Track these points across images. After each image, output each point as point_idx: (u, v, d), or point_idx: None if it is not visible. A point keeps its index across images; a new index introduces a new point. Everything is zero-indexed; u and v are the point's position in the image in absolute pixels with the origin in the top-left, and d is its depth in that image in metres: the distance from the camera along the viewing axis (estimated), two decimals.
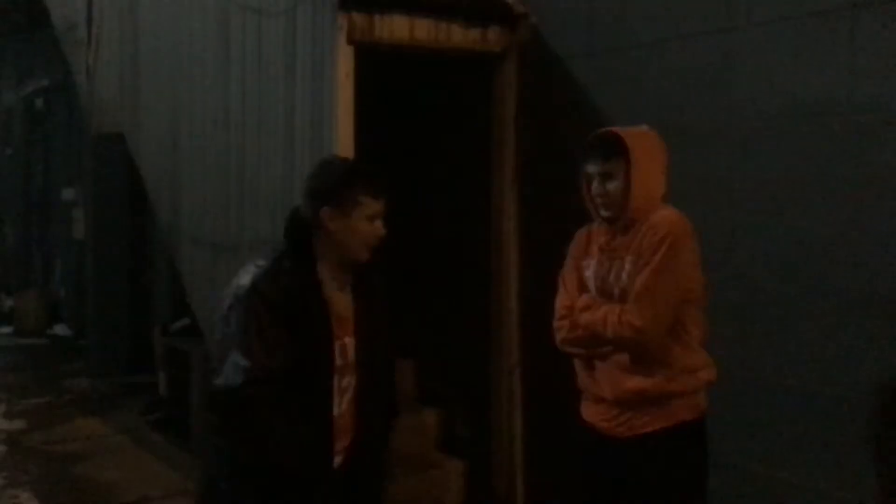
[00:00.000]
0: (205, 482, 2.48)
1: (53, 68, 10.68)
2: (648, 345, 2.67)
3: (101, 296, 8.81)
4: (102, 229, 8.80)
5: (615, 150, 2.73)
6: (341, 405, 2.49)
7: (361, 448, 2.54)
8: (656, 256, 2.64)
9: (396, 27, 4.22)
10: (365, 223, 2.47)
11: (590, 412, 2.87)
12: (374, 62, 4.28)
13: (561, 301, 2.90)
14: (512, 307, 4.61)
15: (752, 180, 3.50)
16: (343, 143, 4.03)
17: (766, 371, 3.46)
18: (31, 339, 10.66)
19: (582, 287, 2.86)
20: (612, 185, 2.74)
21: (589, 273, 2.85)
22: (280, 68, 4.55)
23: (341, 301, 2.51)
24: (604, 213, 2.79)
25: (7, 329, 11.19)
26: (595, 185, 2.78)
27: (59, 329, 11.06)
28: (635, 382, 2.70)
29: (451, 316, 5.12)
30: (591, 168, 2.79)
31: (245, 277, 2.39)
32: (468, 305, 4.97)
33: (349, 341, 2.51)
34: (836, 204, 3.24)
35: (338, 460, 2.51)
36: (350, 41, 4.05)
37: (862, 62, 3.16)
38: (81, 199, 9.77)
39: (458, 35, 4.41)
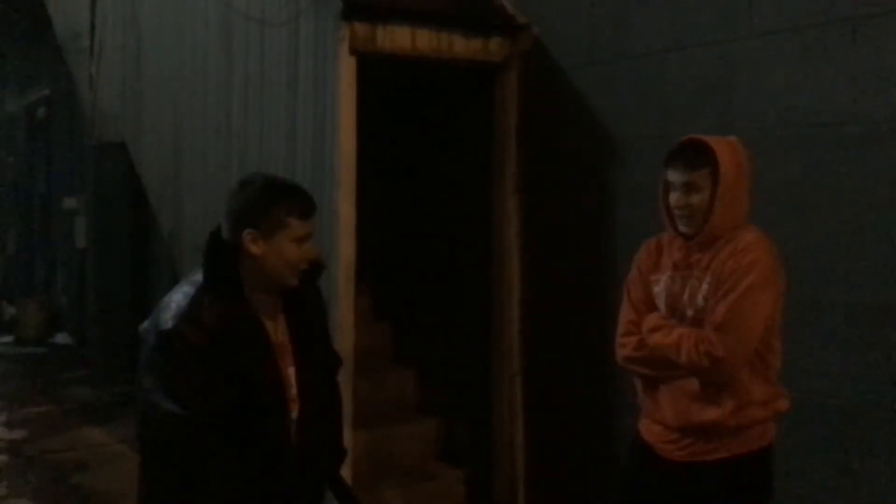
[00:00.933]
0: None
1: (56, 77, 10.71)
2: (725, 376, 2.50)
3: (103, 304, 8.82)
4: (104, 238, 8.81)
5: (702, 161, 2.53)
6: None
7: (303, 480, 2.37)
8: (743, 283, 2.45)
9: (398, 37, 4.23)
10: (291, 246, 2.26)
11: (649, 432, 2.71)
12: (376, 71, 4.30)
13: (626, 315, 2.71)
14: (513, 315, 4.62)
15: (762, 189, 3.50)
16: (345, 152, 4.05)
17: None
18: (32, 347, 10.65)
19: (649, 303, 2.67)
20: (696, 198, 2.53)
21: (659, 289, 2.65)
22: (282, 78, 4.57)
23: (275, 328, 2.33)
24: (683, 227, 2.59)
25: (8, 338, 11.18)
26: (677, 195, 2.57)
27: (61, 338, 11.05)
28: (704, 416, 2.54)
29: (453, 324, 5.12)
30: (674, 177, 2.57)
31: (167, 316, 2.19)
32: (469, 313, 4.98)
33: (291, 371, 2.33)
34: (836, 213, 3.25)
35: None
36: (352, 51, 4.07)
37: (862, 72, 3.18)
38: (83, 207, 9.79)
39: (460, 45, 4.42)
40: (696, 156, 2.55)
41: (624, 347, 2.70)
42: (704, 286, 2.54)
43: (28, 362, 9.83)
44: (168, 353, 2.16)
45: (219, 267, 2.26)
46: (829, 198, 3.27)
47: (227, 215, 2.28)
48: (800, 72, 3.36)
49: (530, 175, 4.56)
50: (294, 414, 2.33)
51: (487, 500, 4.77)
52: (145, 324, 2.29)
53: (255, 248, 2.23)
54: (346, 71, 4.06)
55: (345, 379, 2.61)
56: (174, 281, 7.06)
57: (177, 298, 2.23)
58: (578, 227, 4.33)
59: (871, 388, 3.15)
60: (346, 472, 2.67)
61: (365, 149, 4.16)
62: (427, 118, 5.29)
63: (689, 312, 2.56)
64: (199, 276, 2.27)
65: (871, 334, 3.14)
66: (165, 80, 6.09)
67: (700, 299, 2.54)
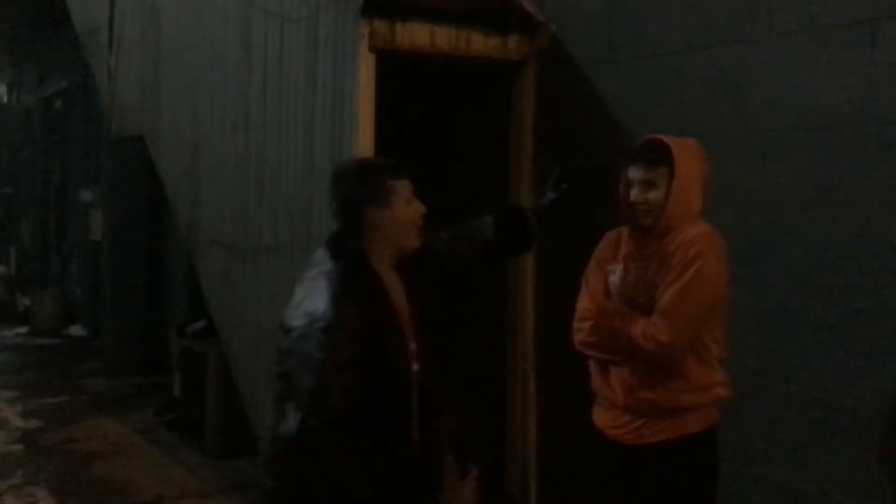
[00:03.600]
0: None
1: (73, 70, 10.78)
2: (668, 359, 2.68)
3: (118, 296, 8.87)
4: (120, 230, 8.87)
5: (661, 159, 2.72)
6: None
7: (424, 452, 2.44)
8: (687, 273, 2.64)
9: (417, 34, 4.25)
10: (406, 206, 2.46)
11: (601, 418, 2.89)
12: (395, 68, 4.32)
13: (583, 302, 2.90)
14: (528, 312, 4.63)
15: (769, 190, 3.51)
16: (363, 149, 4.06)
17: (779, 380, 3.46)
18: (46, 338, 10.74)
19: (605, 292, 2.86)
20: (654, 194, 2.73)
21: (614, 278, 2.85)
22: (301, 74, 4.59)
23: (402, 303, 2.45)
24: (641, 221, 2.78)
25: (23, 329, 11.28)
26: (636, 191, 2.77)
27: (75, 329, 11.14)
28: (649, 393, 2.72)
29: (467, 320, 5.14)
30: (634, 174, 2.77)
31: (319, 302, 2.25)
32: (484, 309, 4.99)
33: (413, 347, 2.43)
34: (853, 214, 3.25)
35: None
36: (371, 48, 4.09)
37: (881, 73, 3.17)
38: (99, 200, 9.85)
39: (478, 42, 4.44)
40: (655, 155, 2.74)
41: (580, 332, 2.89)
42: (654, 277, 2.72)
43: (43, 353, 9.92)
44: (326, 340, 2.20)
45: (353, 256, 2.38)
46: (846, 198, 3.26)
47: (341, 204, 2.44)
48: (818, 72, 3.36)
49: (547, 172, 4.57)
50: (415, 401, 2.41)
51: (500, 496, 4.79)
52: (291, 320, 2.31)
53: (380, 220, 2.40)
54: (365, 67, 4.08)
55: None
56: (190, 274, 7.12)
57: (319, 283, 2.29)
58: (594, 224, 4.33)
59: (882, 386, 3.14)
60: None
61: (383, 145, 4.18)
62: (446, 115, 5.30)
63: (640, 300, 2.75)
64: (330, 269, 2.33)
65: (886, 334, 3.14)
66: (184, 73, 6.12)
67: (651, 288, 2.72)
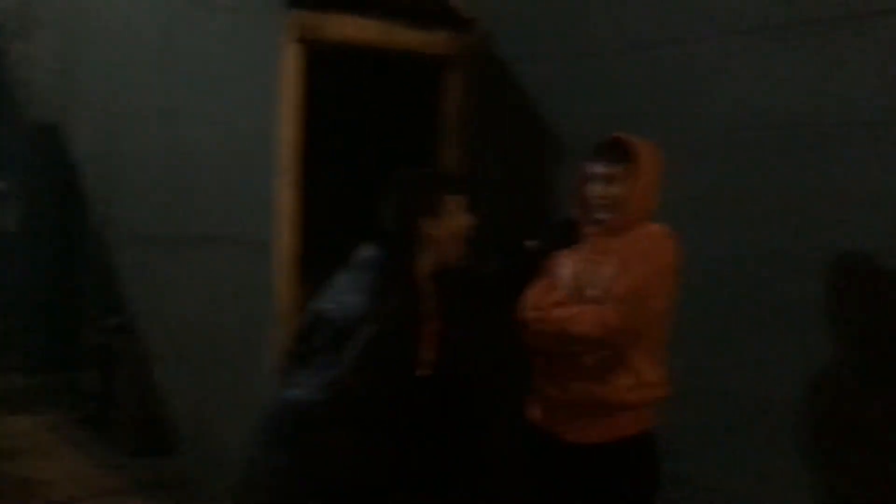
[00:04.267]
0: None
1: None
2: (615, 347, 2.67)
3: (31, 291, 8.63)
4: (34, 222, 8.62)
5: (624, 156, 2.76)
6: None
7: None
8: (647, 265, 2.68)
9: (345, 26, 4.21)
10: (457, 219, 2.62)
11: (541, 415, 2.86)
12: (321, 60, 4.27)
13: (531, 293, 2.88)
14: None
15: (705, 190, 3.52)
16: (287, 139, 4.02)
17: (709, 377, 3.50)
18: None
19: (554, 282, 2.86)
20: (615, 190, 2.76)
21: (566, 270, 2.85)
22: (225, 63, 4.52)
23: (430, 312, 2.58)
24: (599, 215, 2.81)
25: None
26: (597, 186, 2.79)
27: None
28: (593, 389, 2.70)
29: None
30: (596, 168, 2.80)
31: (359, 294, 2.48)
32: None
33: (428, 356, 2.55)
34: (786, 215, 3.29)
35: None
36: (298, 39, 4.04)
37: (826, 76, 3.21)
38: (12, 190, 9.55)
39: (407, 36, 4.42)
40: (618, 151, 2.78)
41: (527, 322, 2.86)
42: (609, 269, 2.73)
43: None
44: (366, 333, 2.41)
45: (397, 261, 2.57)
46: (780, 199, 3.30)
47: (396, 212, 2.61)
48: (761, 73, 3.38)
49: (473, 169, 4.57)
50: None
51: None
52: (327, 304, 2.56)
53: (433, 231, 2.57)
54: (291, 58, 4.03)
55: None
56: (106, 267, 6.95)
57: (359, 282, 2.53)
58: (520, 220, 4.35)
59: (809, 383, 3.22)
60: None
61: (313, 137, 4.13)
62: (374, 109, 5.27)
63: (591, 292, 2.75)
64: (374, 263, 2.57)
65: (814, 332, 3.20)
66: (102, 59, 5.98)
67: (604, 280, 2.73)
